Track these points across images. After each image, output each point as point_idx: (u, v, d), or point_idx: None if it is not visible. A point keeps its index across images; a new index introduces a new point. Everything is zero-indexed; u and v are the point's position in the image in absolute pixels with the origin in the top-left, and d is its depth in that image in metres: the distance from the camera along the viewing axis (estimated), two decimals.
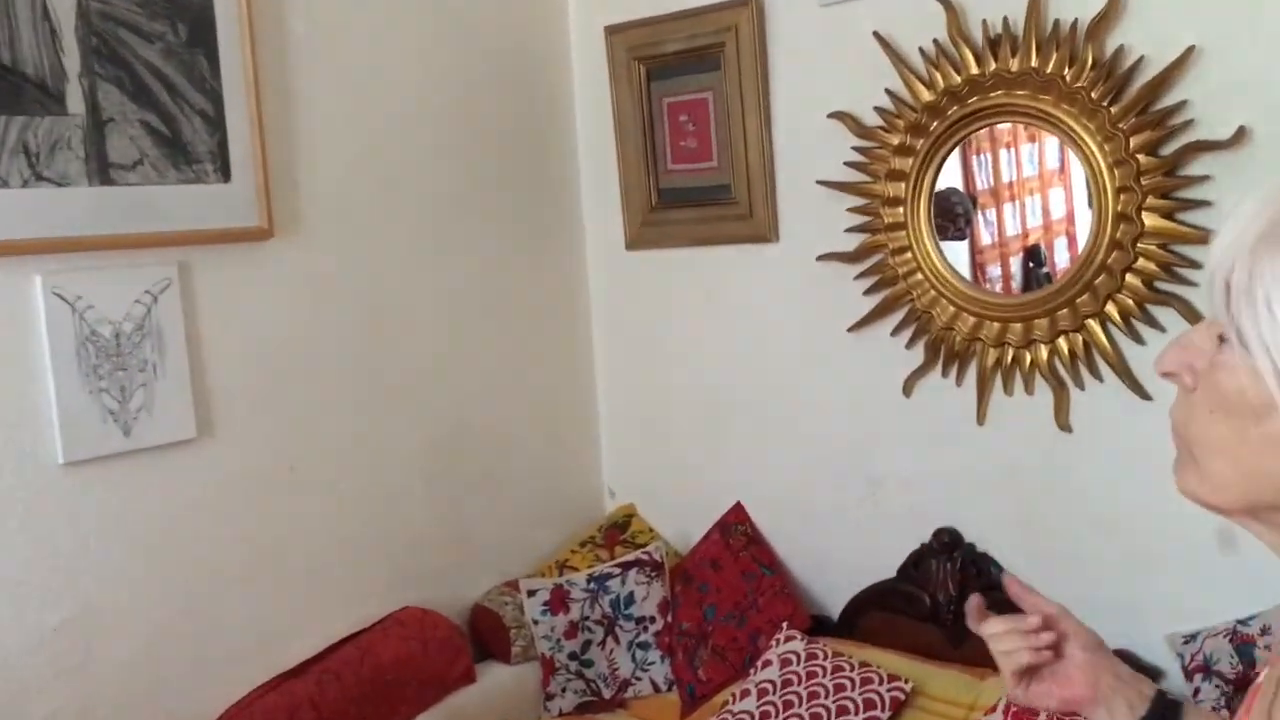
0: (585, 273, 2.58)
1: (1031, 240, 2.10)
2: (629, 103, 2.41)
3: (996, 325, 1.96)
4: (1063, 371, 1.90)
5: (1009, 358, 1.95)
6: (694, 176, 2.36)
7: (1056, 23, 1.82)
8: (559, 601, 2.30)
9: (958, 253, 2.12)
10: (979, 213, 2.11)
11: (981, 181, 2.10)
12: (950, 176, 2.05)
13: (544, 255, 2.50)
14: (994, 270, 2.14)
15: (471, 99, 2.33)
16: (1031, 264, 2.13)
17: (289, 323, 2.01)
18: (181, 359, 1.85)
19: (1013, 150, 2.09)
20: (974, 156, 2.08)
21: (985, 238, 2.13)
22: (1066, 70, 1.80)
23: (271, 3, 1.97)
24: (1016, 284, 2.07)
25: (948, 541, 2.06)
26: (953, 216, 2.12)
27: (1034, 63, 1.83)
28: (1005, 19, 1.87)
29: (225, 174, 1.89)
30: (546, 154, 2.50)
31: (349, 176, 2.10)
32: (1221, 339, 0.70)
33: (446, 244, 2.29)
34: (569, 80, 2.53)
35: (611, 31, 2.41)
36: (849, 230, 2.11)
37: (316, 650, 2.01)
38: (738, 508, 2.37)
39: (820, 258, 2.16)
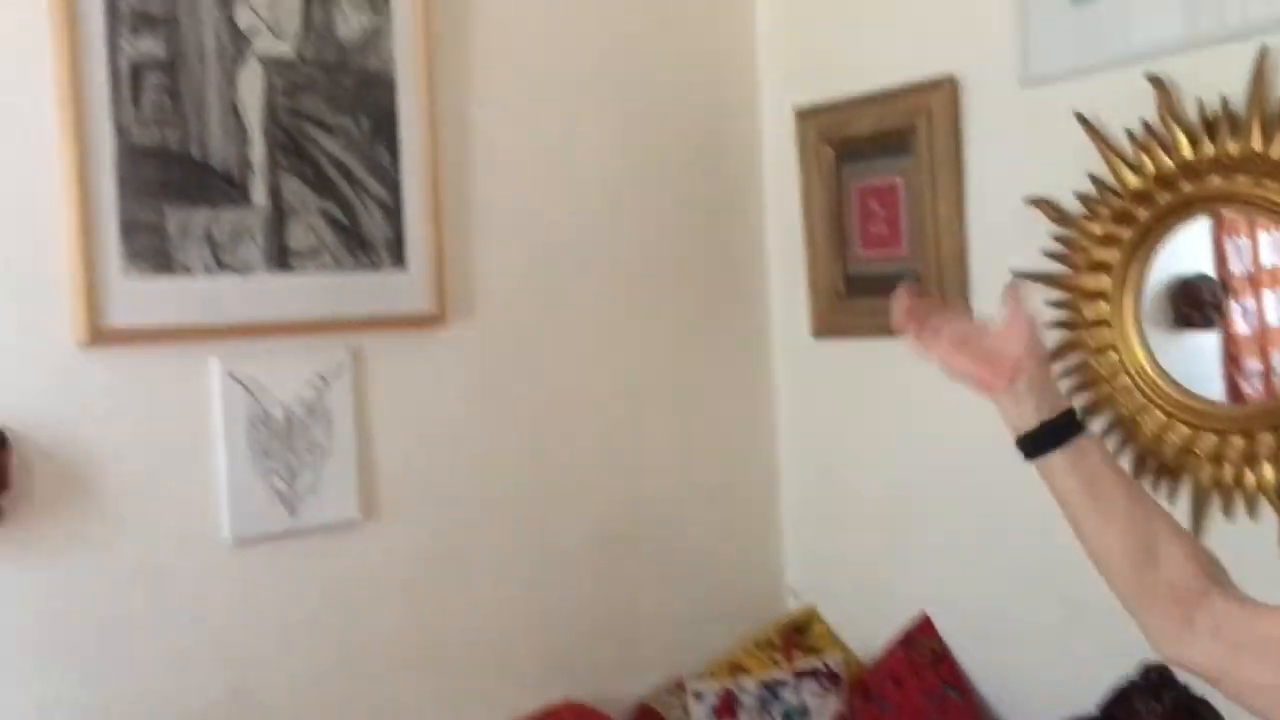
0: (770, 360, 2.50)
1: None
2: (818, 186, 2.33)
3: (1214, 438, 1.74)
4: None
5: (1228, 476, 1.72)
6: (884, 264, 2.24)
7: None
8: (727, 708, 2.18)
9: (1205, 345, 1.92)
10: (1233, 301, 1.90)
11: (1237, 266, 1.88)
12: (1196, 260, 1.85)
13: (727, 341, 2.43)
14: (1252, 364, 1.91)
15: (657, 181, 2.31)
16: None
17: (458, 407, 2.02)
18: (349, 441, 1.88)
19: (1276, 233, 1.88)
20: (1227, 238, 1.87)
21: (1242, 328, 1.91)
22: None
23: (455, 94, 2.01)
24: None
25: (1157, 680, 1.82)
26: (1199, 304, 1.92)
27: (1257, 146, 1.63)
28: (1224, 98, 1.68)
29: (401, 261, 1.93)
30: (733, 237, 2.44)
31: (526, 262, 2.11)
32: None
33: (625, 329, 2.26)
34: (758, 163, 2.47)
35: (801, 114, 2.34)
36: (1049, 325, 1.94)
37: None
38: (925, 621, 2.20)
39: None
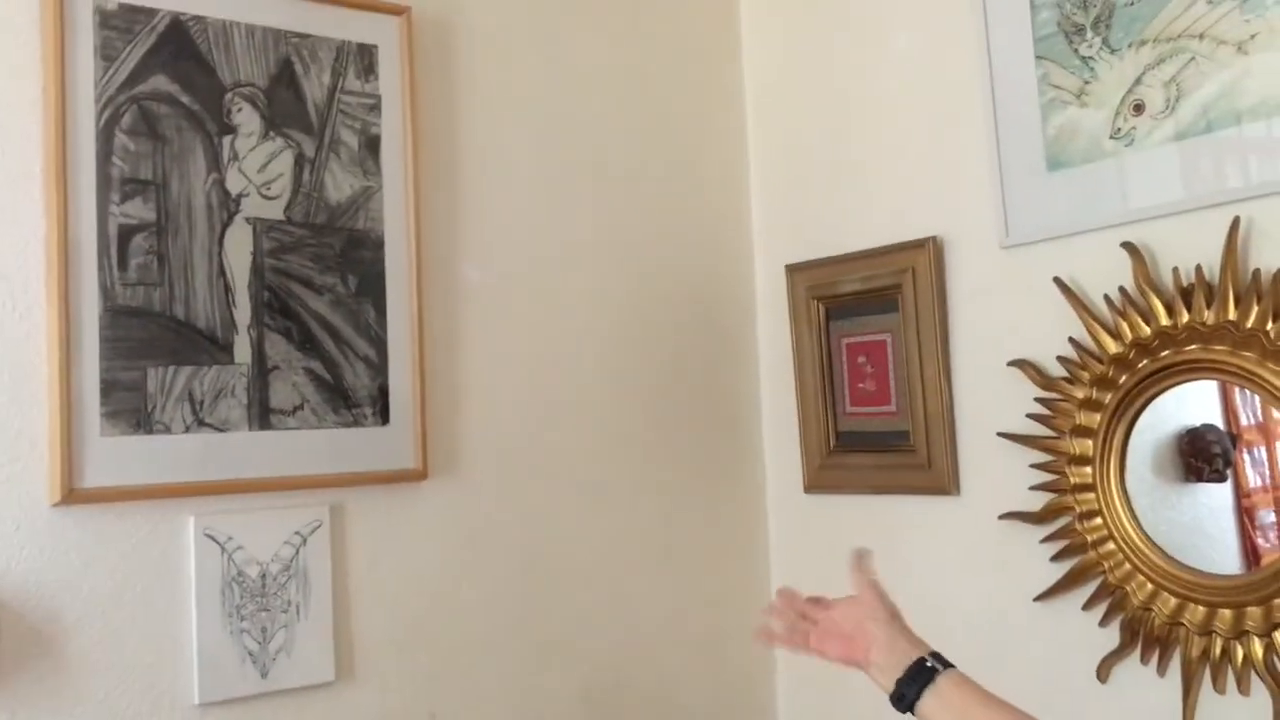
0: (763, 515, 2.47)
1: None
2: (808, 342, 2.33)
3: (1202, 610, 1.69)
4: None
5: (1217, 649, 1.67)
6: (872, 420, 2.23)
7: (1257, 272, 1.62)
8: None
9: (1217, 496, 1.88)
10: (1244, 451, 1.87)
11: (1246, 416, 1.86)
12: (1204, 411, 1.82)
13: (719, 496, 2.41)
14: (1266, 516, 1.86)
15: (650, 338, 2.32)
16: None
17: (439, 565, 2.00)
18: (325, 600, 1.86)
19: (1254, 398, 1.86)
20: (1236, 389, 1.85)
21: (1253, 480, 1.88)
22: (1270, 325, 1.59)
23: (444, 252, 2.04)
24: None
25: None
26: (1209, 456, 1.89)
27: (1232, 315, 1.63)
28: (1199, 267, 1.69)
29: (384, 417, 1.94)
30: (726, 393, 2.44)
31: (512, 417, 2.11)
32: None
33: (614, 485, 2.24)
34: (751, 319, 2.48)
35: (792, 270, 2.37)
36: (1034, 488, 1.92)
37: None
38: None
39: (1003, 516, 1.97)
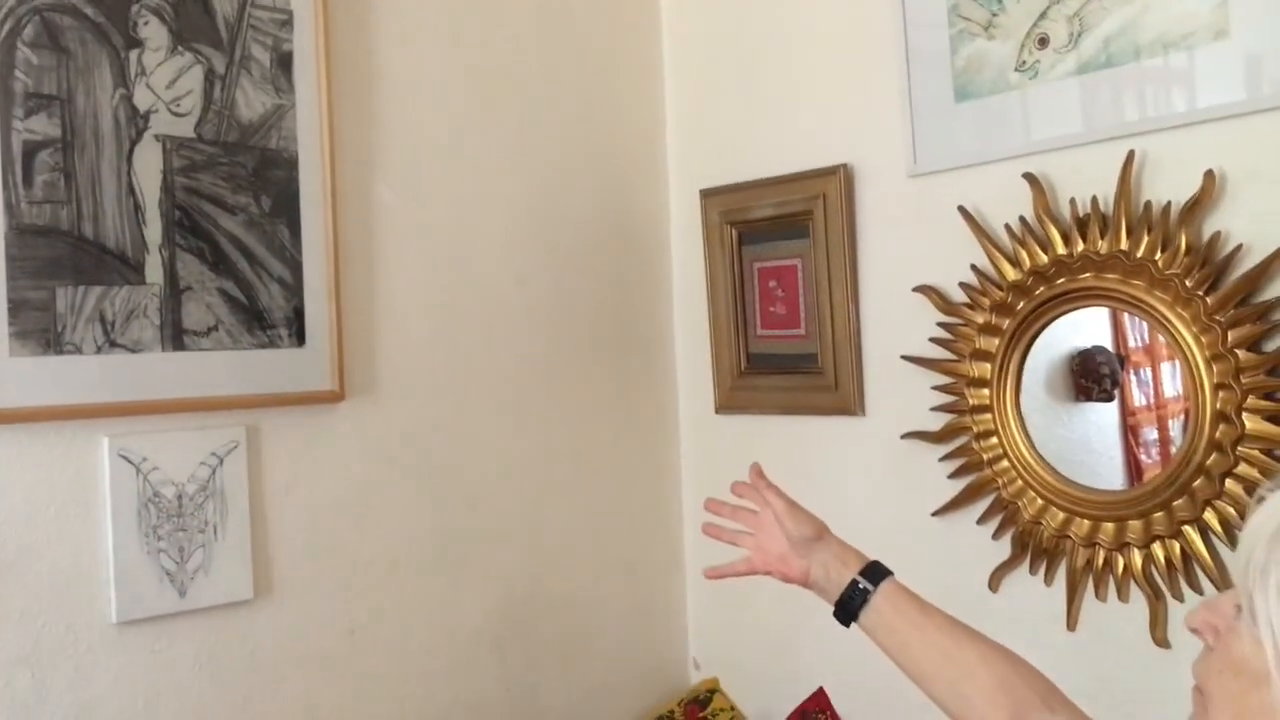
0: (675, 435, 2.53)
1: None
2: (721, 266, 2.38)
3: (1087, 523, 1.80)
4: (1159, 580, 1.72)
5: (1100, 560, 1.78)
6: (782, 343, 2.29)
7: (1148, 204, 1.70)
8: None
9: (1104, 415, 1.98)
10: (1131, 372, 1.96)
11: (1134, 339, 1.95)
12: (1096, 334, 1.91)
13: (632, 417, 2.46)
14: (1150, 434, 1.97)
15: (563, 259, 2.34)
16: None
17: (356, 485, 2.02)
18: (243, 521, 1.87)
19: (1142, 323, 1.95)
20: (1125, 314, 1.94)
21: (1138, 399, 1.98)
22: (1159, 255, 1.67)
23: (358, 172, 2.03)
24: (1176, 446, 1.90)
25: None
26: (1098, 377, 1.98)
27: (1124, 245, 1.71)
28: (1095, 198, 1.76)
29: (300, 339, 1.93)
30: (640, 314, 2.48)
31: (429, 339, 2.13)
32: (1238, 609, 0.81)
33: (529, 406, 2.28)
34: (665, 242, 2.52)
35: (706, 195, 2.40)
36: (935, 409, 2.00)
37: None
38: (819, 693, 2.23)
39: (905, 436, 2.05)
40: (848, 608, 1.30)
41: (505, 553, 2.23)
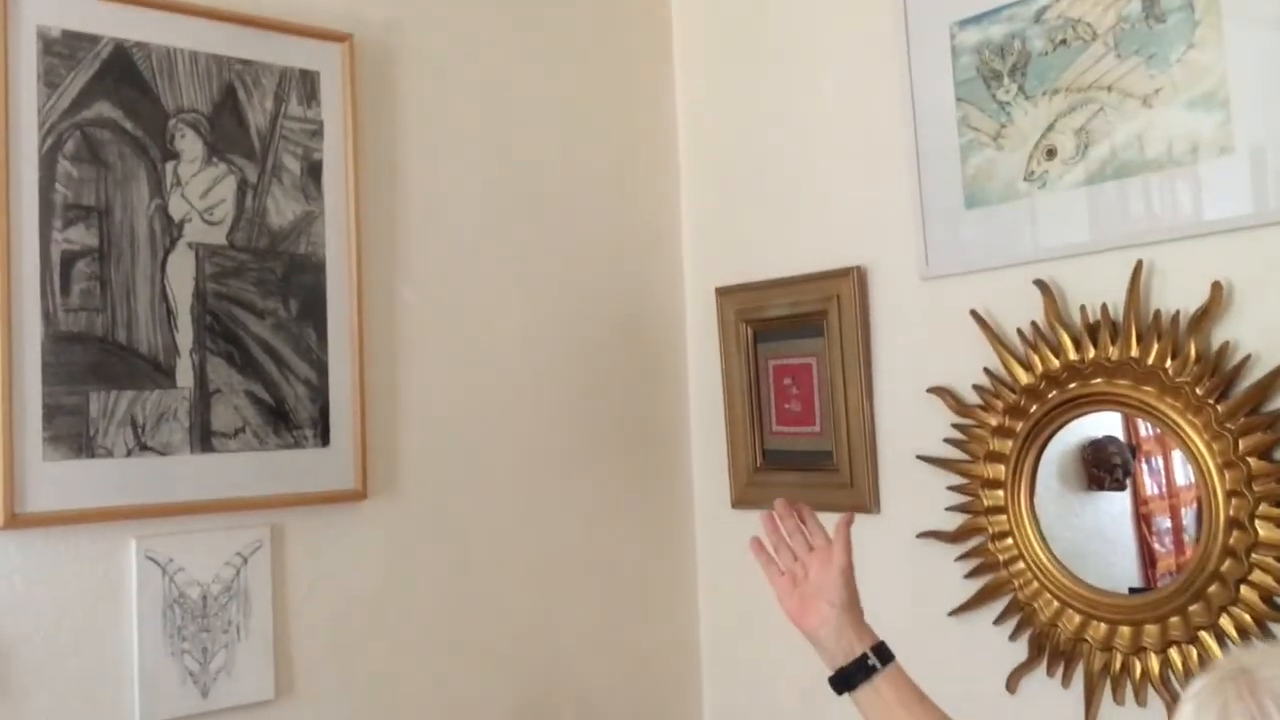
0: (691, 530, 2.55)
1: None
2: (736, 363, 2.42)
3: (1104, 627, 1.81)
4: (1177, 685, 1.72)
5: (1118, 663, 1.79)
6: (797, 440, 2.32)
7: (1158, 312, 1.74)
8: None
9: (1117, 504, 1.99)
10: (1142, 461, 1.98)
11: (1145, 429, 1.98)
12: (1107, 423, 1.93)
13: (648, 512, 2.48)
14: (1162, 522, 1.98)
15: (580, 357, 2.38)
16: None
17: (377, 583, 2.04)
18: (266, 620, 1.89)
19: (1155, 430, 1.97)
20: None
21: (1150, 488, 1.99)
22: (1169, 362, 1.70)
23: (383, 276, 2.08)
24: (1190, 536, 1.91)
25: None
26: (1110, 467, 2.00)
27: (1134, 352, 1.74)
28: (1104, 305, 1.80)
29: (324, 439, 1.97)
30: (656, 411, 2.52)
31: (449, 436, 2.16)
32: None
33: (546, 502, 2.30)
34: (681, 340, 2.56)
35: (721, 293, 2.45)
36: (949, 509, 2.02)
37: None
38: None
39: (920, 535, 2.07)
40: (848, 679, 1.34)
41: (523, 649, 2.24)
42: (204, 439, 1.84)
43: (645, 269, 2.52)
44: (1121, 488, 1.97)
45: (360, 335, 2.01)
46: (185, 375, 1.83)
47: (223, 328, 1.87)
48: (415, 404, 2.12)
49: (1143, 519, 1.97)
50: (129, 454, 1.76)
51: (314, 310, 1.97)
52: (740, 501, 2.44)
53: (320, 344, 1.98)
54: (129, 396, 1.76)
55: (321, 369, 1.97)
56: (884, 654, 1.36)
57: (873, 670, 1.33)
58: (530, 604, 2.26)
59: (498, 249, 2.27)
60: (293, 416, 1.94)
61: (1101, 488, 1.97)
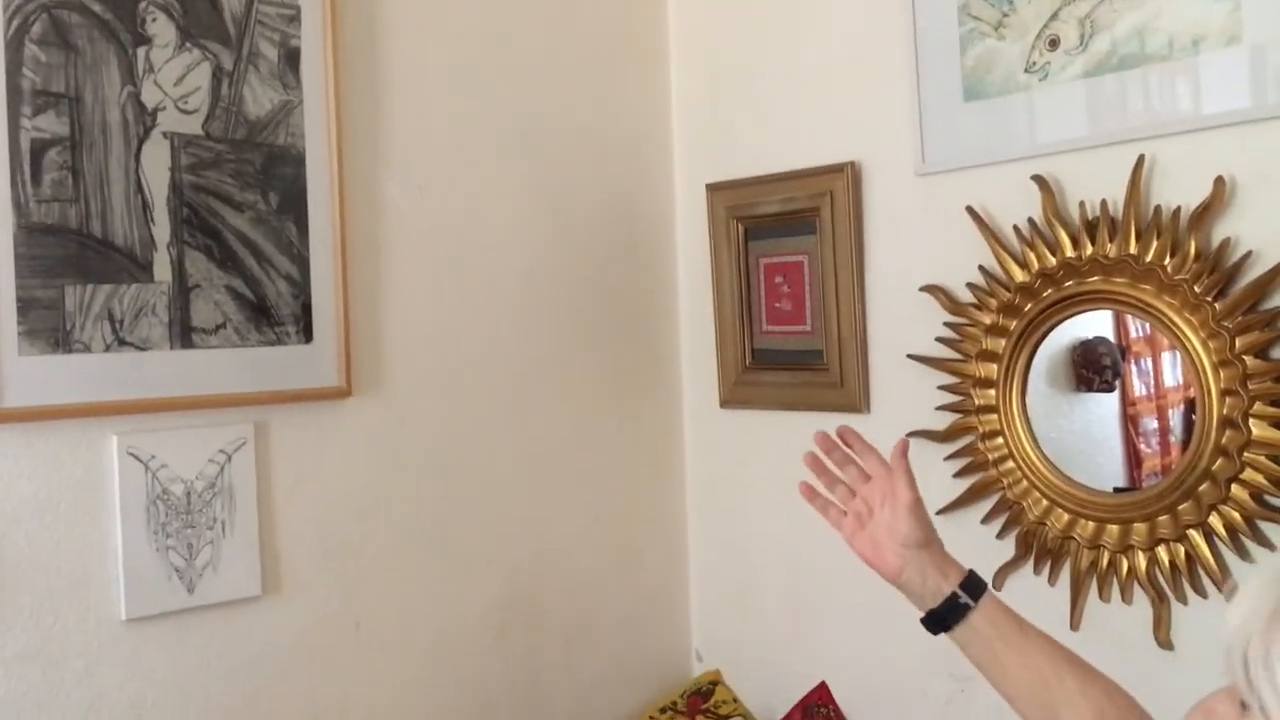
0: (680, 429, 2.54)
1: (1193, 392, 1.94)
2: (727, 261, 2.38)
3: (1092, 525, 1.81)
4: (1163, 583, 1.73)
5: (1105, 561, 1.79)
6: (788, 339, 2.30)
7: (1158, 209, 1.70)
8: None
9: (1105, 405, 1.99)
10: (1132, 362, 1.97)
11: (1135, 331, 1.96)
12: (1098, 324, 1.92)
13: (637, 410, 2.47)
14: (1149, 424, 1.99)
15: (568, 253, 2.34)
16: (1195, 417, 1.97)
17: (362, 480, 2.02)
18: (251, 517, 1.88)
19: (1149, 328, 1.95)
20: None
21: (1139, 389, 1.99)
22: (1168, 260, 1.67)
23: (366, 168, 2.02)
24: (1176, 438, 1.92)
25: None
26: (1099, 368, 1.99)
27: (1133, 249, 1.71)
28: (1104, 202, 1.76)
29: (307, 335, 1.93)
30: (645, 309, 2.48)
31: (435, 334, 2.13)
32: (1244, 705, 0.77)
33: (535, 399, 2.28)
34: (671, 237, 2.52)
35: (712, 189, 2.40)
36: (940, 408, 2.01)
37: None
38: (822, 688, 2.25)
39: (910, 434, 2.05)
40: (942, 621, 1.21)
41: (510, 545, 2.24)
42: (184, 335, 1.80)
43: (635, 163, 2.47)
44: (1110, 389, 1.96)
45: (342, 229, 1.96)
46: (163, 269, 1.78)
47: (200, 221, 1.82)
48: (400, 300, 2.08)
49: (1130, 420, 1.96)
50: (107, 349, 1.72)
51: (295, 204, 1.92)
52: (729, 401, 2.42)
53: (301, 238, 1.93)
54: (105, 290, 1.72)
55: (303, 264, 1.93)
56: (975, 587, 1.22)
57: (966, 609, 1.20)
58: (517, 501, 2.25)
59: (484, 142, 2.21)
60: (274, 313, 1.90)
61: (1090, 389, 1.96)
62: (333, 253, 1.95)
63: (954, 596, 1.20)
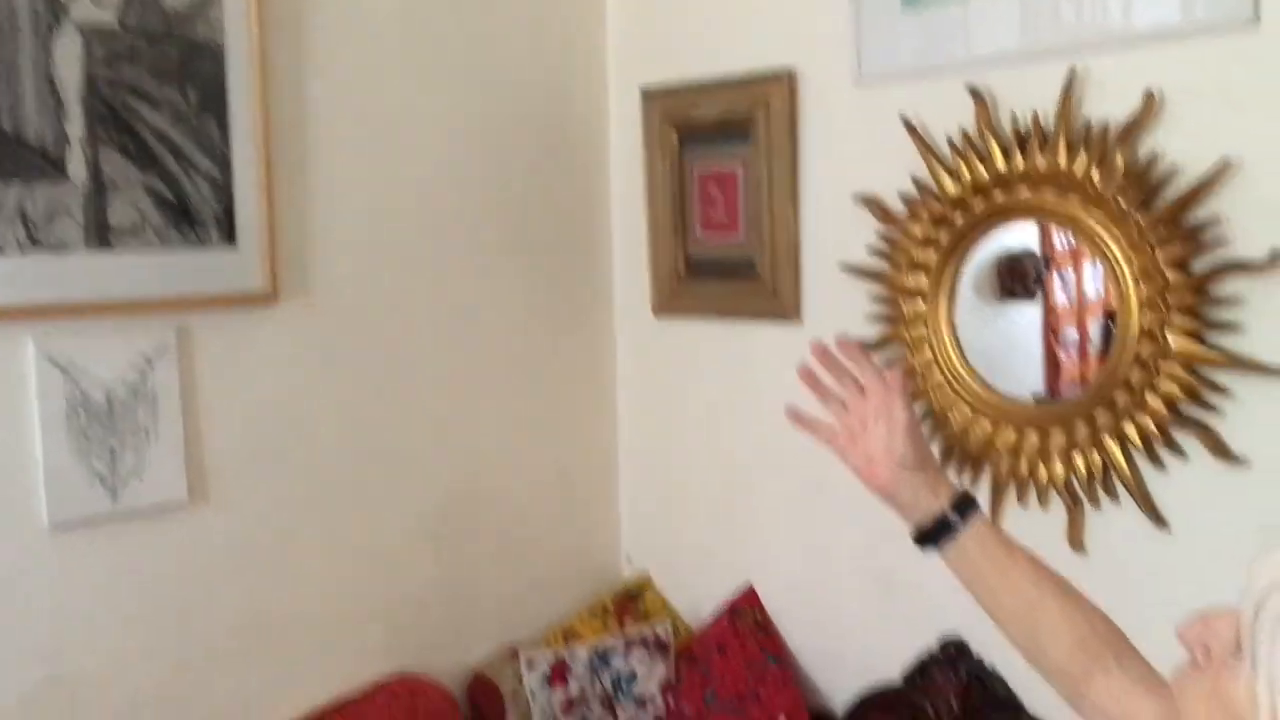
0: (612, 337, 2.54)
1: (1113, 303, 1.98)
2: (661, 168, 2.36)
3: (1013, 433, 1.85)
4: (1079, 488, 1.79)
5: (1024, 468, 1.84)
6: (721, 248, 2.29)
7: (1089, 123, 1.71)
8: (559, 675, 2.25)
9: (1028, 314, 2.02)
10: (1055, 273, 2.01)
11: (1060, 242, 1.99)
12: (1023, 234, 1.94)
13: (570, 317, 2.46)
14: (1069, 333, 2.03)
15: (500, 158, 2.30)
16: (1114, 326, 2.02)
17: (291, 386, 2.00)
18: (175, 423, 1.85)
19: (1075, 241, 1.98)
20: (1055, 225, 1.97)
21: (1060, 299, 2.02)
22: (1095, 173, 1.69)
23: (288, 67, 1.96)
24: (1095, 347, 1.96)
25: (954, 653, 1.96)
26: (1023, 277, 2.02)
27: (1062, 163, 1.73)
28: (1035, 114, 1.77)
29: (231, 238, 1.89)
30: (578, 215, 2.46)
31: (364, 239, 2.09)
32: (1238, 645, 0.78)
33: (465, 306, 2.26)
34: (604, 142, 2.48)
35: (647, 95, 2.36)
36: (871, 318, 2.03)
37: (303, 718, 2.00)
38: (749, 591, 2.30)
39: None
40: (932, 539, 1.19)
41: (441, 453, 2.23)
42: (101, 236, 1.74)
43: (568, 65, 2.42)
44: (1033, 297, 2.00)
45: (266, 129, 1.90)
46: (77, 167, 1.72)
47: (116, 118, 1.75)
48: (327, 203, 2.03)
49: (1051, 329, 2.00)
50: (21, 250, 1.66)
51: (215, 101, 1.85)
52: (661, 309, 2.42)
53: (223, 138, 1.87)
54: (16, 188, 1.66)
55: (225, 164, 1.87)
56: (965, 508, 1.19)
57: (954, 530, 1.17)
58: (449, 408, 2.24)
59: (413, 41, 2.15)
60: (196, 214, 1.84)
61: (1014, 298, 1.99)
62: (256, 153, 1.90)
63: (943, 516, 1.18)
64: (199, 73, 1.83)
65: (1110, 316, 1.88)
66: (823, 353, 1.27)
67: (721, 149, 2.25)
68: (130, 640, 1.81)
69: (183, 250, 1.83)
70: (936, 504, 1.18)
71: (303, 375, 2.01)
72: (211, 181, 1.86)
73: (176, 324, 1.84)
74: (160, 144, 1.80)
